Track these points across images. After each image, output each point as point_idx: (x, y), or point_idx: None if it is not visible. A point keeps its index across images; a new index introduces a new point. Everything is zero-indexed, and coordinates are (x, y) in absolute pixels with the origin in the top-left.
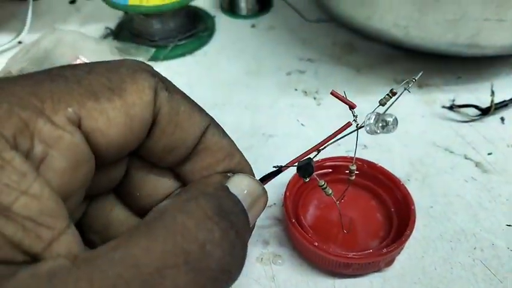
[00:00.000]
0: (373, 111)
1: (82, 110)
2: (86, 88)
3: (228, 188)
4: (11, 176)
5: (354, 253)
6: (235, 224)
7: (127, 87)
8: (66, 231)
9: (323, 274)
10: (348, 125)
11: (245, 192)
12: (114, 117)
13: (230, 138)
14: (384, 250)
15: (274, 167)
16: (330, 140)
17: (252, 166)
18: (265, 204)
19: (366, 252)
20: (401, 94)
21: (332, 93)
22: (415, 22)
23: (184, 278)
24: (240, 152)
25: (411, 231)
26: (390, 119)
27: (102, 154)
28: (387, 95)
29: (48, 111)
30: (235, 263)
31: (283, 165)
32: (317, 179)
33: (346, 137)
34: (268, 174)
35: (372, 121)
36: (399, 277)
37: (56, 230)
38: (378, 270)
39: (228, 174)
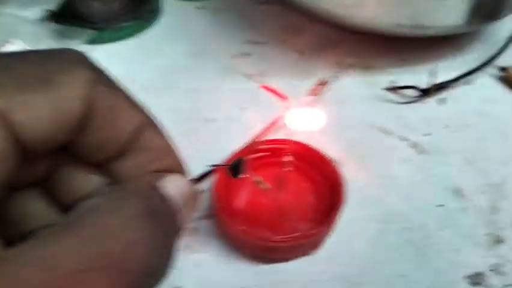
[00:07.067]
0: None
1: (8, 102)
2: (16, 79)
3: (159, 188)
4: None
5: (278, 236)
6: (164, 224)
7: (60, 79)
8: None
9: (250, 260)
10: (277, 120)
11: (177, 192)
12: (43, 110)
13: (166, 137)
14: (311, 232)
15: (210, 166)
16: (261, 136)
17: (190, 151)
18: (197, 206)
19: (291, 235)
20: (325, 85)
21: (262, 87)
22: (358, 1)
23: (103, 282)
24: (175, 151)
25: (339, 213)
26: None
27: (28, 148)
28: (317, 84)
29: None
30: (161, 265)
31: (217, 164)
32: (253, 175)
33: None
34: (203, 174)
35: None
36: (328, 260)
37: None
38: (307, 253)
39: (161, 174)
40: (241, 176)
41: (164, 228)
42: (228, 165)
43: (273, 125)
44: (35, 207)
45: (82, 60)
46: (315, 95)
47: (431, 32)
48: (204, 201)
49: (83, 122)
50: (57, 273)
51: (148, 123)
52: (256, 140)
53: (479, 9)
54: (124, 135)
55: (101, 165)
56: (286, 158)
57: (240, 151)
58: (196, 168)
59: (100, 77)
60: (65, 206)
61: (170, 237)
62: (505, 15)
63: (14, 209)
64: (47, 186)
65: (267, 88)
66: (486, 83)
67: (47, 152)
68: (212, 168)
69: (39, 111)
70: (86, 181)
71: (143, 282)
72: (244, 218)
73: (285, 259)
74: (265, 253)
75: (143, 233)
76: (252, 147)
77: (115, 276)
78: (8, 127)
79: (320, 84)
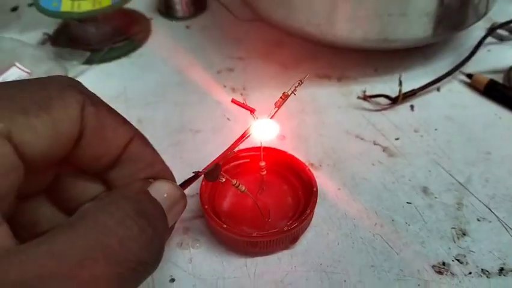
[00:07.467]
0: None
1: (12, 125)
2: (17, 105)
3: (148, 192)
4: None
5: (257, 232)
6: (153, 222)
7: (55, 104)
8: None
9: (236, 254)
10: (246, 133)
11: (165, 195)
12: (41, 131)
13: (153, 148)
14: (285, 228)
15: (193, 172)
16: (234, 147)
17: (178, 160)
18: (185, 207)
19: (269, 231)
20: (287, 98)
21: (232, 101)
22: (325, 19)
23: (102, 268)
24: (162, 160)
25: (311, 211)
26: None
27: (30, 163)
28: (281, 97)
29: None
30: (151, 257)
31: (197, 170)
32: (230, 179)
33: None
34: (187, 179)
35: None
36: (305, 253)
37: None
38: (286, 247)
39: (150, 180)
40: (217, 180)
41: (153, 226)
42: (204, 171)
43: (243, 135)
44: (44, 212)
45: (72, 85)
46: (278, 107)
47: (397, 45)
48: (195, 203)
49: (77, 139)
50: (65, 261)
51: (136, 137)
52: (230, 148)
53: (441, 22)
54: (115, 150)
55: (99, 174)
56: (265, 164)
57: (216, 159)
58: (184, 174)
59: (88, 99)
60: (70, 211)
61: (160, 234)
62: (468, 26)
63: (27, 214)
64: (54, 194)
65: (236, 102)
66: (454, 89)
67: (48, 165)
68: (193, 174)
69: (39, 133)
70: (87, 189)
71: (136, 271)
72: (228, 217)
73: (267, 253)
74: (247, 248)
75: (134, 229)
76: (226, 155)
77: (112, 265)
78: (13, 146)
79: (281, 98)
